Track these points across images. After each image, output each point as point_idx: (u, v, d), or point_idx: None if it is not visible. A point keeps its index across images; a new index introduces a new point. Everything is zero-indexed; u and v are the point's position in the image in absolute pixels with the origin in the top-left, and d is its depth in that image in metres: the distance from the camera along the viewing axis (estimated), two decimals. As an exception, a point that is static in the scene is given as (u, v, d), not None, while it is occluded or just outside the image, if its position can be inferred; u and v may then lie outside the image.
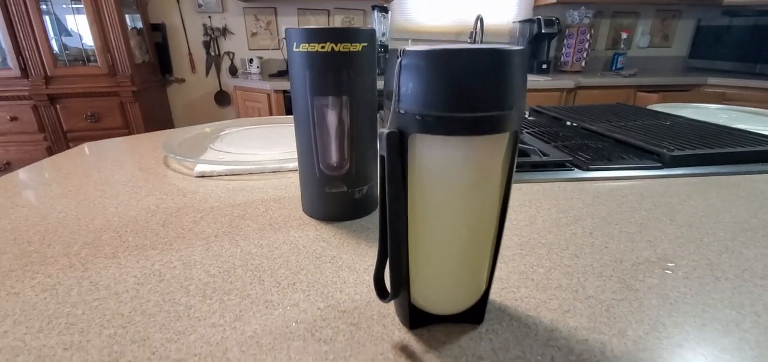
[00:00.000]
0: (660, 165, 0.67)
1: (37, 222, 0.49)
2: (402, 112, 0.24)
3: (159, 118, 2.59)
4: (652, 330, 0.31)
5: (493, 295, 0.35)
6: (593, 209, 0.53)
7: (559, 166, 0.67)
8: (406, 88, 0.23)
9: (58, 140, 2.23)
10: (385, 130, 0.24)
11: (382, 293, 0.29)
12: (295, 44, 0.42)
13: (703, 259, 0.41)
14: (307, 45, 0.42)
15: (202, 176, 0.66)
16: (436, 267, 0.28)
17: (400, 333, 0.31)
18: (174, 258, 0.41)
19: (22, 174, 0.68)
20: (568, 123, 0.98)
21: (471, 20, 2.76)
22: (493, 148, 0.24)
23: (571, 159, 0.67)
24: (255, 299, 0.35)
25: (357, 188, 0.48)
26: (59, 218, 0.51)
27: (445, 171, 0.25)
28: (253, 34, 2.73)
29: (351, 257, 0.41)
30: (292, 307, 0.33)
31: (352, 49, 0.42)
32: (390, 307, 0.33)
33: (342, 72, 0.43)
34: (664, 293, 0.36)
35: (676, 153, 0.67)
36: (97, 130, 2.24)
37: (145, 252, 0.42)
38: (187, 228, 0.48)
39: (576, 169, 0.66)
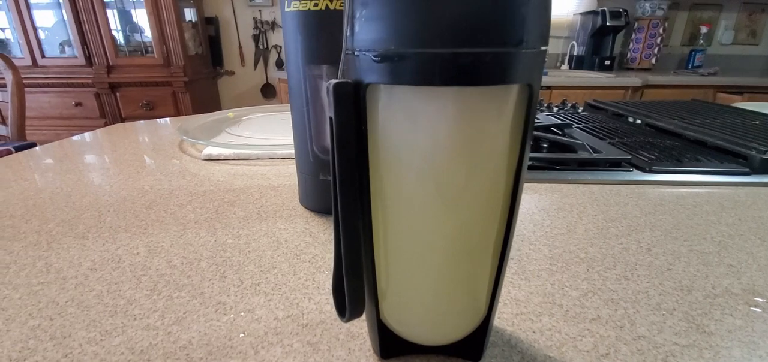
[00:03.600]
0: (748, 170, 0.53)
1: (29, 197, 0.48)
2: (356, 53, 0.16)
3: (209, 109, 2.68)
4: (737, 398, 0.21)
5: (504, 323, 0.26)
6: (654, 219, 0.42)
7: (614, 165, 0.55)
8: (361, 14, 0.16)
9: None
10: (333, 80, 0.17)
11: (341, 308, 0.22)
12: (287, 2, 0.36)
13: (814, 297, 0.29)
14: (299, 3, 0.35)
15: (209, 159, 0.62)
16: (413, 280, 0.20)
17: (368, 363, 0.23)
18: (141, 243, 0.36)
19: (41, 149, 0.68)
20: (631, 119, 0.84)
21: (525, 13, 2.58)
22: (492, 108, 0.16)
23: (629, 157, 0.55)
24: (207, 299, 0.29)
25: (356, 177, 0.41)
26: (52, 193, 0.48)
27: (420, 142, 0.17)
28: (300, 28, 2.75)
29: (335, 257, 0.34)
30: (245, 314, 0.27)
31: (349, 9, 0.35)
32: (363, 327, 0.26)
33: (339, 35, 0.36)
34: (751, 340, 0.25)
35: (771, 156, 0.53)
36: (151, 117, 2.35)
37: (116, 234, 0.38)
38: (170, 211, 0.43)
39: (635, 170, 0.54)
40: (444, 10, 0.14)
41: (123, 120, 2.36)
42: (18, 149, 1.14)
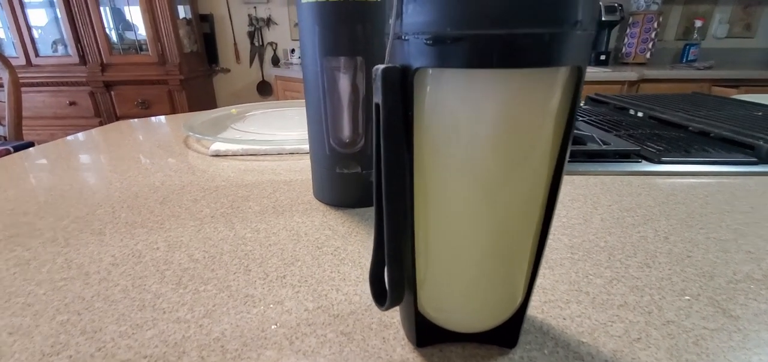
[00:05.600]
0: (755, 160, 0.54)
1: (40, 194, 0.47)
2: (405, 37, 0.16)
3: (205, 107, 2.66)
4: (770, 378, 0.22)
5: (533, 310, 0.27)
6: (668, 209, 0.42)
7: (623, 156, 0.56)
8: None
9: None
10: (381, 66, 0.17)
11: (379, 297, 0.22)
12: (303, -5, 0.36)
13: (833, 281, 0.30)
14: (316, -5, 0.35)
15: (217, 155, 0.61)
16: (452, 267, 0.20)
17: (404, 351, 0.23)
18: (160, 238, 0.36)
19: (45, 148, 0.67)
20: (632, 112, 0.85)
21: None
22: (543, 92, 0.16)
23: (638, 149, 0.56)
24: (234, 292, 0.28)
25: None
26: (63, 191, 0.48)
27: (468, 126, 0.17)
28: (296, 24, 2.74)
29: (358, 250, 0.34)
30: (275, 306, 0.27)
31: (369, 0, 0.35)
32: (395, 316, 0.26)
33: (357, 27, 0.36)
34: (777, 324, 0.26)
35: (777, 146, 0.54)
36: (147, 116, 2.33)
37: (133, 230, 0.38)
38: (184, 206, 0.43)
39: (644, 161, 0.54)
40: (498, -7, 0.14)
41: (118, 118, 2.33)
42: (16, 149, 1.12)
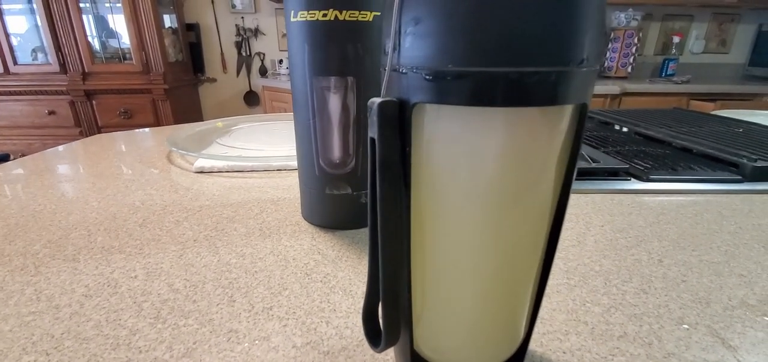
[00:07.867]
0: (739, 178, 0.54)
1: (11, 215, 0.44)
2: (403, 70, 0.15)
3: (190, 117, 2.62)
4: (775, 416, 0.21)
5: (532, 343, 0.26)
6: (659, 229, 0.42)
7: (612, 174, 0.56)
8: (411, 30, 0.15)
9: (92, 135, 2.30)
10: (377, 100, 0.16)
11: (373, 336, 0.21)
12: (292, 12, 0.35)
13: (825, 306, 0.30)
14: (306, 13, 0.34)
15: (201, 172, 0.60)
16: (451, 306, 0.19)
17: (399, 393, 0.22)
18: (138, 265, 0.34)
19: (20, 163, 0.64)
20: (617, 127, 0.86)
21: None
22: (547, 130, 0.15)
23: (627, 167, 0.56)
24: (217, 326, 0.27)
25: (363, 191, 0.40)
26: (35, 211, 0.45)
27: (469, 164, 0.16)
28: (284, 35, 2.73)
29: (348, 276, 0.33)
30: (260, 342, 0.26)
31: (360, 19, 0.34)
32: (389, 353, 0.25)
33: (347, 46, 0.35)
34: (775, 353, 0.25)
35: (761, 163, 0.55)
36: (130, 126, 2.28)
37: (109, 255, 0.36)
38: (166, 229, 0.41)
39: (633, 179, 0.55)
40: (508, 26, 0.13)
41: (99, 129, 2.27)
42: (-12, 161, 1.07)
